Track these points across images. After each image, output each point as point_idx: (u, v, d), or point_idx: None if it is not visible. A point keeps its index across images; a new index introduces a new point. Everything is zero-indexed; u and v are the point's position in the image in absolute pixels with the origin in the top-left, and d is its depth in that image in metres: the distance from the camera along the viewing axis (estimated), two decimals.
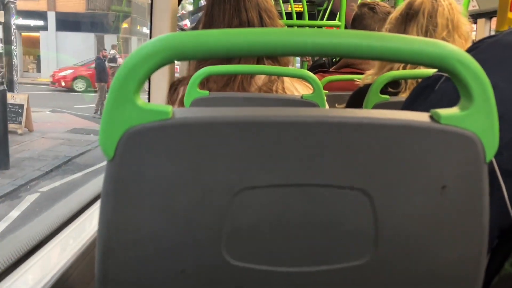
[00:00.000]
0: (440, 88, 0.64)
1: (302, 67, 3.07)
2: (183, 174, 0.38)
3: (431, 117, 0.40)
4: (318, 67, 2.42)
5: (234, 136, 0.38)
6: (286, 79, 1.15)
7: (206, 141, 0.38)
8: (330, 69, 2.15)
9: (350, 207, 0.40)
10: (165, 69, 1.28)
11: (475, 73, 0.38)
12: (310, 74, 1.03)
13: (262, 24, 1.14)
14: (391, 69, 1.24)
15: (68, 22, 17.25)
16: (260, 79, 1.12)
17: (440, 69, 0.39)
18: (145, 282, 0.41)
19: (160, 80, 1.29)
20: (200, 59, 0.38)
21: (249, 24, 1.12)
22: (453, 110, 0.40)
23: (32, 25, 17.32)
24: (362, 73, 1.67)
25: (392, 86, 1.29)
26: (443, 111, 0.40)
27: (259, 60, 1.12)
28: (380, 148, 0.39)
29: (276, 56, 0.36)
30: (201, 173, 0.38)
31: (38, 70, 18.15)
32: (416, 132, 0.39)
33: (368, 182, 0.40)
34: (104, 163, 0.38)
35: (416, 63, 0.38)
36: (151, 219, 0.39)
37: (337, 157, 0.39)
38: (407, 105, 0.71)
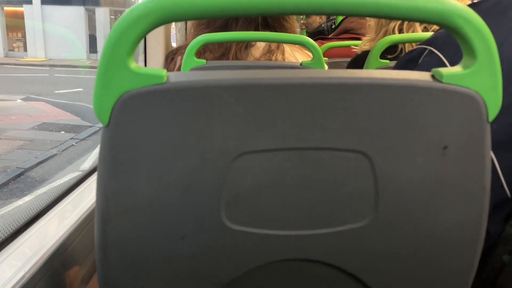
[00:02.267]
0: (423, 62, 0.63)
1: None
2: (179, 139, 0.37)
3: (433, 76, 0.39)
4: (318, 34, 2.38)
5: (231, 100, 0.37)
6: (286, 48, 1.13)
7: (202, 105, 0.37)
8: (330, 36, 2.12)
9: (350, 169, 0.40)
10: (161, 39, 1.26)
11: (478, 29, 0.37)
12: (310, 40, 1.01)
13: None
14: (386, 32, 1.22)
15: None
16: (258, 50, 1.10)
17: (442, 26, 0.37)
18: (146, 249, 0.40)
19: (157, 50, 1.27)
20: (194, 19, 0.36)
21: None
22: (456, 69, 0.39)
23: None
24: (361, 39, 1.64)
25: (389, 52, 1.27)
26: (445, 70, 0.39)
27: (256, 29, 1.09)
28: (380, 109, 0.38)
29: (271, 15, 0.35)
30: (198, 138, 0.38)
31: (25, 49, 16.30)
32: (417, 92, 0.38)
33: (368, 144, 0.39)
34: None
35: (416, 20, 0.37)
36: (149, 185, 0.38)
37: (337, 119, 0.38)
38: None
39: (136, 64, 0.36)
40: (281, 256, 0.42)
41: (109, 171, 0.38)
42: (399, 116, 0.39)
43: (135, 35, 0.35)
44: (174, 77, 0.37)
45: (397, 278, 0.45)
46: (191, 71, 0.37)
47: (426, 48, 0.64)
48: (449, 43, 0.62)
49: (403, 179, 0.40)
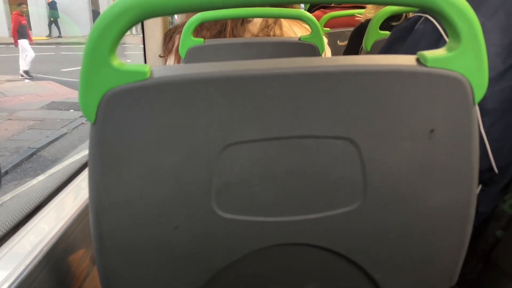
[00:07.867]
0: (418, 30, 0.62)
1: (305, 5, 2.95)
2: (166, 133, 0.38)
3: (418, 60, 0.39)
4: (320, 3, 2.32)
5: (215, 92, 0.37)
6: (284, 23, 1.11)
7: (186, 99, 0.37)
8: (332, 4, 2.07)
9: (337, 156, 0.40)
10: (159, 17, 1.24)
11: (462, 11, 0.36)
12: (307, 14, 0.99)
13: None
14: None
15: None
16: (255, 26, 1.08)
17: (426, 9, 0.37)
18: (140, 238, 0.42)
19: (155, 28, 1.26)
20: (174, 14, 0.36)
21: None
22: (440, 52, 0.38)
23: None
24: (364, 7, 1.60)
25: (394, 19, 1.25)
26: (429, 53, 0.38)
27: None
28: (365, 95, 0.38)
29: (250, 6, 0.34)
30: (184, 132, 0.38)
31: (30, 28, 15.61)
32: (402, 77, 0.38)
33: (355, 131, 0.39)
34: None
35: (399, 4, 0.36)
36: (140, 179, 0.39)
37: (322, 107, 0.38)
38: (386, 49, 0.69)
39: (119, 61, 0.37)
40: (273, 241, 0.43)
41: (99, 167, 0.39)
42: (385, 102, 0.39)
43: (115, 33, 0.35)
44: (158, 72, 0.38)
45: (388, 257, 0.45)
46: (176, 65, 0.37)
47: (421, 16, 0.63)
48: None
49: (390, 164, 0.41)
